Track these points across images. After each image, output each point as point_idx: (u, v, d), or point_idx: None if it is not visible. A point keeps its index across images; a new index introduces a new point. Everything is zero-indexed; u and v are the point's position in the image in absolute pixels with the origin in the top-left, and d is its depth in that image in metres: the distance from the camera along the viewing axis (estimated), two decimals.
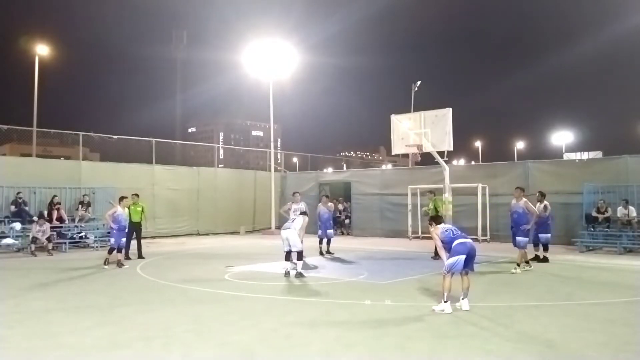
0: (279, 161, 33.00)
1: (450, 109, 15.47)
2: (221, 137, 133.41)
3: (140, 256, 14.40)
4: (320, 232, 15.22)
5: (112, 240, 12.89)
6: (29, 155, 24.47)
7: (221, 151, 54.07)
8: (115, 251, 12.86)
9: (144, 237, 20.96)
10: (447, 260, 7.70)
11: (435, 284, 10.10)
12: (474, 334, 6.36)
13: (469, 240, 7.82)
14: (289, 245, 11.09)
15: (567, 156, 34.04)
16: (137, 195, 14.67)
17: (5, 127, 19.17)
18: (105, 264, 12.74)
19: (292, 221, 11.45)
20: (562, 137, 51.13)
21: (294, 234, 11.11)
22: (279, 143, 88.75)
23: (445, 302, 7.50)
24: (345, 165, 48.31)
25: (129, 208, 13.78)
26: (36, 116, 26.19)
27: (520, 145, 68.65)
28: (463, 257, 7.58)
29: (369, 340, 6.14)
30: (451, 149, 15.50)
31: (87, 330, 6.55)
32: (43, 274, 11.57)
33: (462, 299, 7.68)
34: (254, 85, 33.33)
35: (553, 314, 7.52)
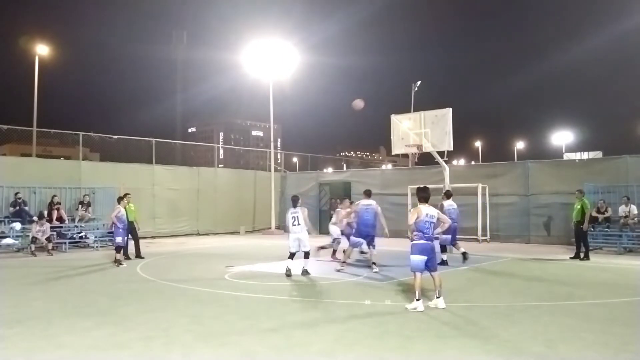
0: (279, 161, 33.02)
1: (450, 109, 15.51)
2: (221, 137, 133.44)
3: (138, 255, 14.41)
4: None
5: (119, 239, 13.16)
6: (29, 155, 24.45)
7: (221, 151, 54.09)
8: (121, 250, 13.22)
9: (144, 237, 21.04)
10: (411, 259, 7.87)
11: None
12: (474, 334, 6.36)
13: (430, 242, 7.83)
14: (299, 246, 11.07)
15: (567, 156, 34.05)
16: (129, 194, 14.60)
17: (5, 127, 19.16)
18: (118, 264, 12.96)
19: (297, 223, 11.03)
20: (562, 137, 51.16)
21: (304, 234, 11.04)
22: (279, 143, 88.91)
23: (417, 300, 7.60)
24: (345, 165, 48.37)
25: (124, 208, 13.83)
26: (36, 116, 26.23)
27: (520, 145, 68.79)
28: (424, 258, 7.73)
29: (369, 340, 6.14)
30: (451, 149, 15.54)
31: (87, 331, 6.55)
32: (43, 274, 11.57)
33: (437, 297, 7.80)
34: (254, 85, 33.33)
35: (553, 314, 7.52)
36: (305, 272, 10.94)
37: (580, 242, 13.88)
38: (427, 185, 8.58)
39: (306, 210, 11.30)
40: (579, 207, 13.79)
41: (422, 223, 7.76)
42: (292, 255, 11.15)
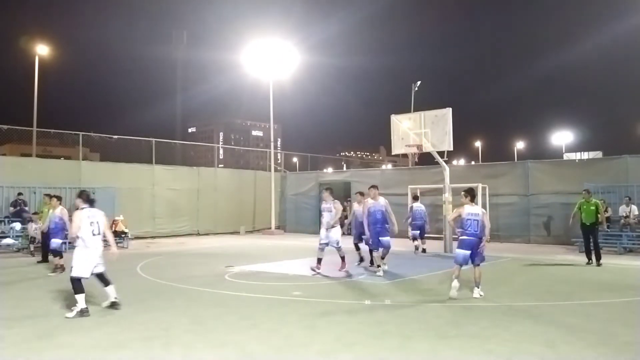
0: (279, 161, 33.01)
1: (450, 109, 15.49)
2: (221, 137, 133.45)
3: (44, 259, 13.25)
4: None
5: (55, 243, 11.68)
6: (29, 155, 24.48)
7: (221, 151, 54.13)
8: (54, 254, 11.80)
9: (144, 237, 21.05)
10: (456, 252, 8.80)
11: (435, 282, 10.11)
12: (474, 334, 6.36)
13: (473, 238, 8.52)
14: (96, 266, 7.64)
15: (567, 156, 34.05)
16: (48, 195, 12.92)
17: (5, 127, 19.16)
18: (55, 271, 11.48)
19: (98, 232, 7.64)
20: (562, 137, 51.19)
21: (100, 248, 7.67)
22: (279, 143, 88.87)
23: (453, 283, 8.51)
24: (345, 165, 48.33)
25: (43, 211, 12.98)
26: (36, 116, 26.24)
27: (520, 145, 68.92)
28: (468, 252, 8.52)
29: (369, 340, 6.14)
30: (451, 149, 15.51)
31: (86, 331, 6.55)
32: (42, 274, 11.56)
33: (475, 287, 8.61)
34: (254, 85, 33.35)
35: (553, 314, 7.52)
36: (115, 305, 7.71)
37: (590, 245, 12.84)
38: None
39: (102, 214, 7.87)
40: (593, 208, 12.76)
41: (465, 221, 8.53)
42: (77, 285, 7.38)
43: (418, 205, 16.02)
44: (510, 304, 8.18)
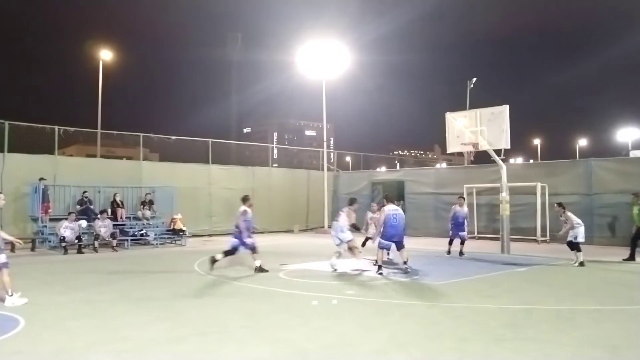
0: (332, 160, 33.09)
1: (507, 106, 15.08)
2: (275, 137, 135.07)
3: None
4: (451, 232, 15.05)
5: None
6: (94, 155, 25.64)
7: (275, 151, 54.80)
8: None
9: (201, 235, 21.53)
10: None
11: (492, 284, 9.87)
12: (532, 338, 6.16)
13: None
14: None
15: (634, 154, 32.37)
16: None
17: (72, 129, 20.15)
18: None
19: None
20: (628, 134, 48.69)
21: None
22: (331, 142, 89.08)
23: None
24: (398, 164, 47.87)
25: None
26: (100, 118, 27.47)
27: (582, 142, 66.22)
28: None
29: (423, 341, 6.07)
30: (508, 147, 15.12)
31: (146, 325, 6.80)
32: (108, 269, 12.10)
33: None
34: (307, 85, 33.58)
35: (617, 318, 7.18)
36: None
37: (636, 245, 13.69)
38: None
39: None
40: (637, 211, 13.51)
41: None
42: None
43: (459, 209, 15.09)
44: (571, 308, 7.88)
